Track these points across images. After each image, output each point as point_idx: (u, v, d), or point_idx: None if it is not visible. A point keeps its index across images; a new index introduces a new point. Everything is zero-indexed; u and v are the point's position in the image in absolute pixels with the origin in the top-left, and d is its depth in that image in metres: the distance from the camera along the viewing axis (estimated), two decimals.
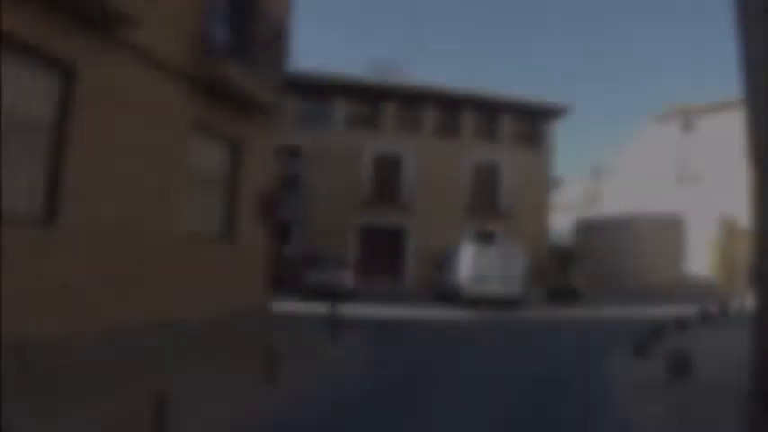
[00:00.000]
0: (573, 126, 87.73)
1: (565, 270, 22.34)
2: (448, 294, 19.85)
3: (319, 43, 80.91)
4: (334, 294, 18.32)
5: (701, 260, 31.11)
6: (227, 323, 8.91)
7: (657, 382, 7.66)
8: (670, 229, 31.64)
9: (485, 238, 24.52)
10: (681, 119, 38.14)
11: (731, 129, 34.62)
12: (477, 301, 17.91)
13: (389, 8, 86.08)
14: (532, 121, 29.04)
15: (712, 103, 36.69)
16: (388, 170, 26.37)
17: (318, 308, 16.28)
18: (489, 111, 28.08)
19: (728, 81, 71.02)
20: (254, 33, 9.03)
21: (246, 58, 8.79)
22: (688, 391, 7.11)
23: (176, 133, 7.84)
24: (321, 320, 13.73)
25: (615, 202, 40.23)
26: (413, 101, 27.15)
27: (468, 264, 18.14)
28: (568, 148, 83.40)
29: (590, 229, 33.21)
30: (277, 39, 9.53)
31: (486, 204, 25.64)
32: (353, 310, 16.57)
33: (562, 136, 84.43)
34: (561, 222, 36.63)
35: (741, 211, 32.95)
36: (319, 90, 26.28)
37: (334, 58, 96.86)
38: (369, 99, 26.86)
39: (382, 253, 25.59)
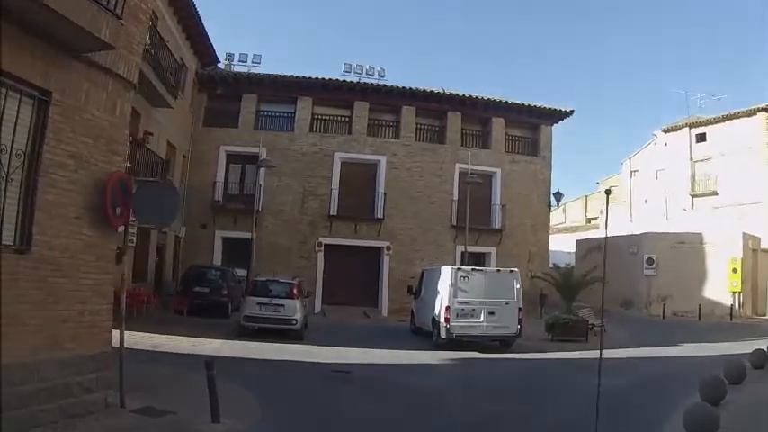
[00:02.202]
0: (577, 141, 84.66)
1: (569, 299, 18.31)
2: (425, 330, 15.91)
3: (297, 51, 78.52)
4: (277, 330, 14.53)
5: (720, 283, 27.21)
6: (17, 388, 5.10)
7: None
8: (686, 249, 27.73)
9: (472, 259, 20.66)
10: (692, 130, 34.78)
11: (745, 139, 31.38)
12: (460, 341, 14.04)
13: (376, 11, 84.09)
14: (529, 128, 25.48)
15: (726, 113, 33.47)
16: (360, 181, 22.63)
17: (250, 349, 12.67)
18: (480, 115, 24.52)
19: (741, 90, 68.27)
20: None
21: None
22: None
23: None
24: (240, 368, 10.04)
25: (623, 220, 36.56)
26: (390, 103, 23.59)
27: (450, 292, 14.30)
28: (572, 166, 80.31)
29: (595, 251, 29.20)
30: None
31: (477, 221, 21.88)
32: (296, 353, 12.75)
33: (565, 153, 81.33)
34: (563, 243, 32.85)
35: (763, 228, 29.63)
36: (282, 91, 22.76)
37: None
38: (339, 101, 23.33)
39: (353, 278, 21.68)
